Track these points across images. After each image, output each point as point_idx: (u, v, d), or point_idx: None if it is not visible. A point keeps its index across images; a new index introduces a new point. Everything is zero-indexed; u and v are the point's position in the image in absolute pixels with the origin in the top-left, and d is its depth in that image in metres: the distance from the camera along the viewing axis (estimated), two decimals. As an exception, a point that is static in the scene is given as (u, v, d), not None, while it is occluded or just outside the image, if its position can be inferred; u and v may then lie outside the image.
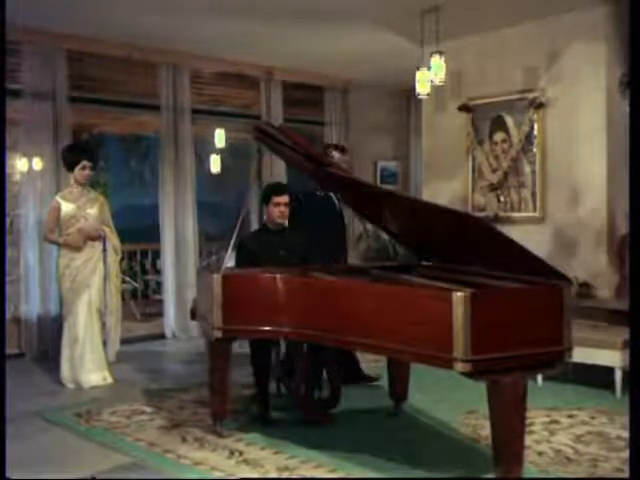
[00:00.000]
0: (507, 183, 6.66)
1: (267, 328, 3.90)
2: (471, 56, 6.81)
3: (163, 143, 7.61)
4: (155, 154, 8.35)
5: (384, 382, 4.77)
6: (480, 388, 4.29)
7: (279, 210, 4.66)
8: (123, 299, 8.46)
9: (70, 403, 4.98)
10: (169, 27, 6.55)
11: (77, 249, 5.45)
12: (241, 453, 3.92)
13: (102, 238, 5.55)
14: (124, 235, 6.16)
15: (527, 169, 6.51)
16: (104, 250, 5.55)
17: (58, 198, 5.57)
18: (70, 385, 5.44)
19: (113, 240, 5.62)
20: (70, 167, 5.57)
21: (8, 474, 2.97)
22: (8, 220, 6.76)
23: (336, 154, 5.29)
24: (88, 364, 5.43)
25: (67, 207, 5.48)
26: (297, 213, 4.94)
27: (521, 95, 6.49)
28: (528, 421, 3.66)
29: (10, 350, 6.23)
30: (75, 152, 5.61)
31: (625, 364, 4.82)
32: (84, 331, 5.43)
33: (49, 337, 6.63)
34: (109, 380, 5.50)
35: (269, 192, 4.73)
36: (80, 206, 5.52)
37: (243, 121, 8.18)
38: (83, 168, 5.52)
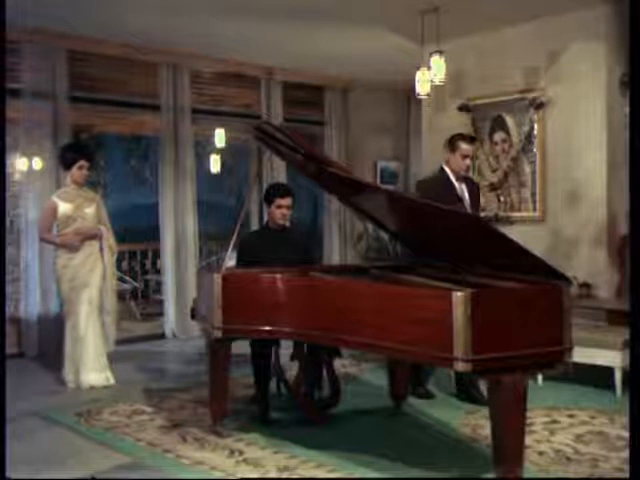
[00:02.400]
0: (507, 183, 6.66)
1: (267, 328, 3.90)
2: (471, 56, 6.81)
3: (163, 143, 7.61)
4: (155, 154, 8.35)
5: (384, 382, 4.76)
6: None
7: (281, 212, 4.65)
8: (123, 299, 8.47)
9: (70, 403, 4.98)
10: (169, 27, 6.56)
11: (74, 249, 5.39)
12: (241, 453, 3.92)
13: (99, 237, 5.49)
14: (124, 235, 6.18)
15: (527, 169, 6.51)
16: (101, 249, 5.51)
17: (55, 198, 5.49)
18: (73, 385, 5.41)
19: (109, 239, 5.57)
20: (67, 166, 5.50)
21: (8, 474, 2.97)
22: (8, 220, 6.74)
23: (464, 145, 4.85)
24: (90, 364, 5.39)
25: (64, 207, 5.42)
26: None
27: (521, 95, 6.49)
28: (528, 421, 3.65)
29: (10, 350, 6.21)
30: (72, 151, 5.55)
31: (625, 364, 4.82)
32: (85, 330, 5.37)
33: (49, 337, 6.63)
34: (111, 381, 5.46)
35: (273, 193, 4.70)
36: (77, 206, 5.46)
37: (243, 121, 8.18)
38: (80, 168, 5.46)
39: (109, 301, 5.59)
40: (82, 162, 5.46)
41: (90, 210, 5.50)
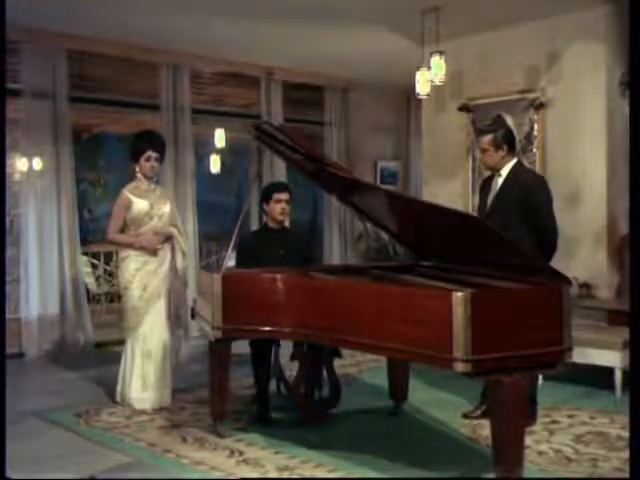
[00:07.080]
0: (507, 183, 6.64)
1: (267, 328, 3.90)
2: (471, 56, 6.81)
3: (163, 143, 7.60)
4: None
5: (384, 382, 4.76)
6: (480, 388, 4.31)
7: (281, 207, 4.65)
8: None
9: (70, 403, 4.97)
10: (169, 27, 6.56)
11: (153, 252, 4.85)
12: (241, 453, 3.91)
13: (172, 239, 4.98)
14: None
15: (527, 169, 6.50)
16: (172, 253, 4.99)
17: (127, 193, 4.86)
18: (138, 406, 4.75)
19: (181, 242, 5.03)
20: (134, 158, 4.92)
21: (8, 474, 2.97)
22: (8, 220, 6.73)
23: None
24: (159, 382, 4.82)
25: (140, 204, 4.83)
26: None
27: (521, 95, 6.49)
28: (528, 421, 3.66)
29: (10, 350, 6.20)
30: (140, 141, 4.98)
31: (625, 364, 4.82)
32: (156, 345, 4.82)
33: (49, 337, 6.63)
34: (169, 401, 4.87)
35: (270, 190, 4.73)
36: (153, 203, 4.89)
37: (243, 121, 8.18)
38: (148, 159, 4.86)
39: (182, 312, 5.15)
40: (149, 153, 4.87)
41: (166, 208, 4.97)
